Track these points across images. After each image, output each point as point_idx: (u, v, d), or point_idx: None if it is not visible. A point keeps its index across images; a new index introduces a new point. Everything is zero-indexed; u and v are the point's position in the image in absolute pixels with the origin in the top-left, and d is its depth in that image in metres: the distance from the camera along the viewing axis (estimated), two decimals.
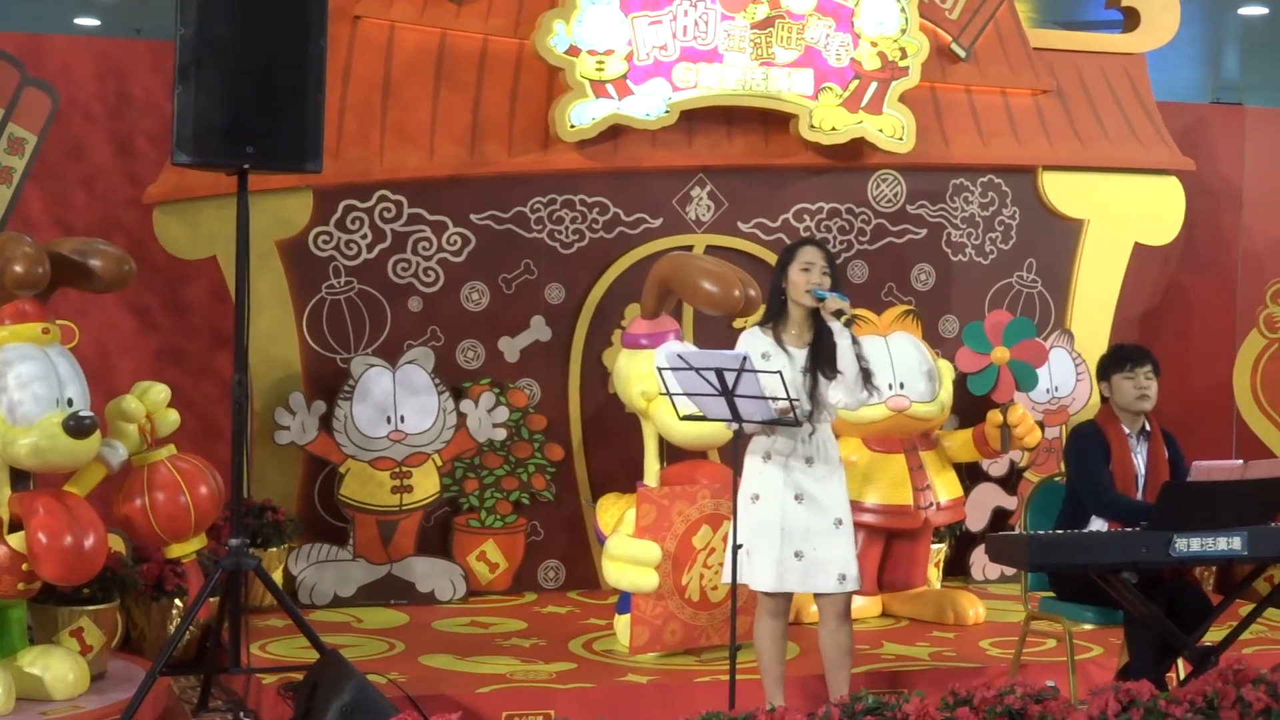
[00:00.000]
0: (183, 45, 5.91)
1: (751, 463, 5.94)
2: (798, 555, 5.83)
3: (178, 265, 8.03)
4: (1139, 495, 6.32)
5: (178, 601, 7.00)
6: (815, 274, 5.87)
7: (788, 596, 6.01)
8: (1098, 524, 6.25)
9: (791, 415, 5.68)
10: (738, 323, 8.35)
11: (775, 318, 5.97)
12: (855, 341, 5.83)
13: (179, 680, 6.77)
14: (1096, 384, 6.66)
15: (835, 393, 5.85)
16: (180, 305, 8.25)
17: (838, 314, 5.76)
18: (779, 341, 5.91)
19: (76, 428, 6.04)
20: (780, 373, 5.66)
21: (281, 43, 6.07)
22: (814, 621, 6.21)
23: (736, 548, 5.84)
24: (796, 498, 5.85)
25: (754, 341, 5.93)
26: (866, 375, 5.82)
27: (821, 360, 5.83)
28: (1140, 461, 6.39)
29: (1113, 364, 6.48)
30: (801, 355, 5.88)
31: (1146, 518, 5.94)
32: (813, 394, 5.83)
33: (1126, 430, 6.40)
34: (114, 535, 6.72)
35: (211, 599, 6.37)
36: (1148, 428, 6.46)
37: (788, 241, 8.55)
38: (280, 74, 6.06)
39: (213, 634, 6.40)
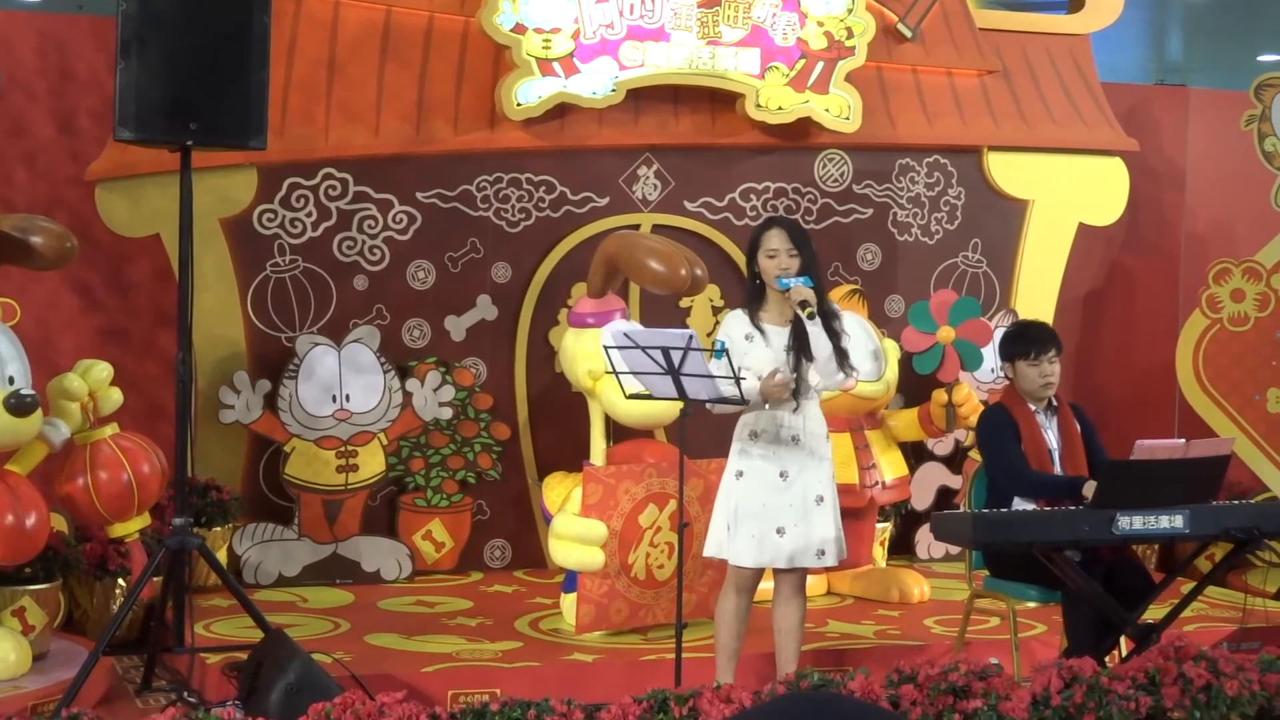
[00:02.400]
0: (125, 21, 5.85)
1: (738, 441, 5.99)
2: (779, 532, 5.87)
3: (120, 243, 7.97)
4: (1055, 469, 6.34)
5: (121, 581, 6.96)
6: (782, 259, 5.89)
7: (758, 575, 6.04)
8: (1020, 505, 6.27)
9: (737, 395, 5.69)
10: (684, 301, 8.39)
11: (753, 300, 6.01)
12: (836, 317, 5.88)
13: (122, 660, 6.74)
14: (1000, 363, 6.67)
15: (812, 375, 5.88)
16: (123, 283, 8.20)
17: (802, 305, 5.78)
18: (758, 323, 5.93)
19: (18, 406, 5.99)
20: (726, 352, 5.67)
21: (225, 19, 6.01)
22: (763, 600, 6.22)
23: (683, 526, 5.86)
24: (780, 475, 5.88)
25: (735, 324, 5.97)
26: (843, 356, 5.85)
27: (802, 341, 5.85)
28: (1052, 437, 6.41)
29: (1016, 349, 6.46)
30: (782, 334, 5.91)
31: (1067, 492, 5.98)
32: (795, 372, 5.86)
33: (1033, 408, 6.43)
34: (56, 514, 6.68)
35: (155, 578, 6.33)
36: (1054, 403, 6.48)
37: (734, 221, 8.60)
38: (223, 50, 6.00)
39: (156, 614, 6.36)
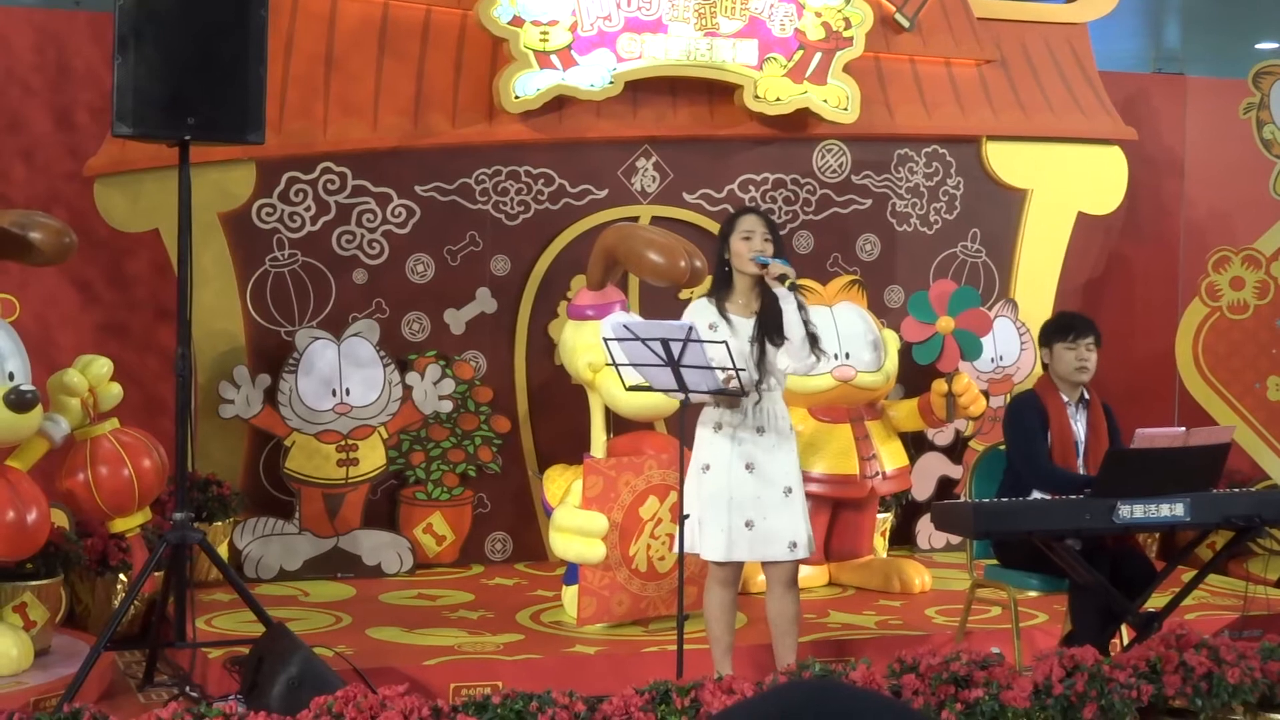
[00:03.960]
0: (122, 16, 5.85)
1: (702, 433, 5.93)
2: (748, 524, 5.82)
3: (119, 238, 7.97)
4: (1079, 462, 6.34)
5: (122, 576, 6.97)
6: (757, 241, 5.85)
7: (738, 566, 6.00)
8: (1038, 493, 6.28)
9: (737, 385, 5.68)
10: (684, 293, 8.37)
11: (721, 289, 5.96)
12: (802, 307, 5.83)
13: (124, 655, 6.74)
14: (1039, 350, 6.67)
15: (783, 358, 5.85)
16: (122, 278, 8.20)
17: (781, 279, 5.75)
18: (723, 312, 5.90)
19: (18, 402, 5.99)
20: (726, 343, 5.66)
21: (222, 13, 6.01)
22: (761, 591, 6.22)
23: (683, 518, 5.85)
24: (747, 467, 5.84)
25: (701, 313, 5.92)
26: (813, 340, 5.81)
27: (769, 328, 5.82)
28: (1080, 429, 6.41)
29: (1056, 332, 6.47)
30: (748, 325, 5.87)
31: (1082, 490, 5.97)
32: (760, 363, 5.83)
33: (1065, 399, 6.42)
34: (57, 510, 6.69)
35: (156, 573, 6.33)
36: (1086, 396, 6.48)
37: (732, 212, 8.57)
38: (221, 45, 6.00)
39: (158, 608, 6.37)
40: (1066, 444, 6.34)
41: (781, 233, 6.07)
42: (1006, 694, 4.98)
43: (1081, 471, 6.30)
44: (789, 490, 5.88)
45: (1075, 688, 5.02)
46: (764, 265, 5.79)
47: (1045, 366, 6.56)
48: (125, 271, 8.19)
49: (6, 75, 7.91)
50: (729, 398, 5.77)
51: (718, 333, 5.80)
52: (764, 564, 6.00)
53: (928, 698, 4.97)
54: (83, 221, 7.53)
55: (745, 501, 5.83)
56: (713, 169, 8.79)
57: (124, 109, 5.87)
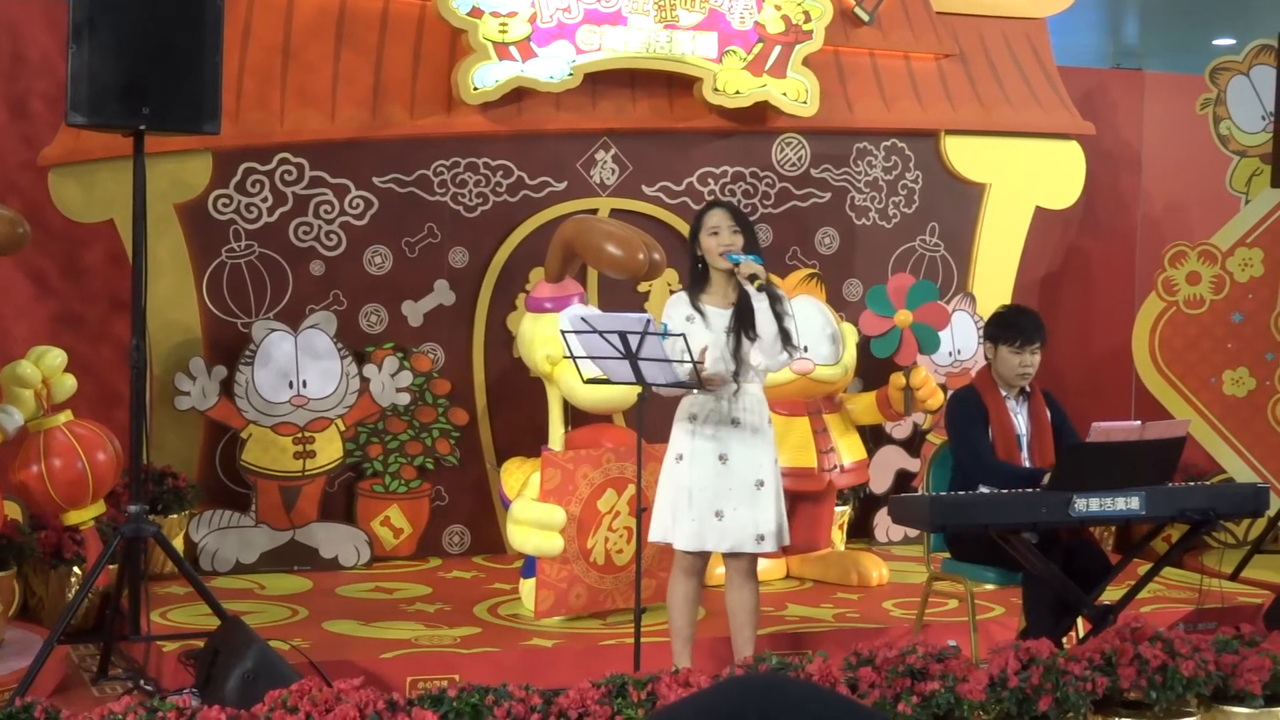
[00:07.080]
0: (76, 4, 5.79)
1: (678, 423, 5.96)
2: (718, 515, 5.85)
3: (74, 229, 7.91)
4: (1023, 455, 6.34)
5: (76, 569, 6.92)
6: (725, 235, 5.88)
7: (704, 557, 6.03)
8: (985, 487, 6.28)
9: (694, 378, 5.68)
10: (642, 286, 8.38)
11: (696, 283, 5.99)
12: (779, 300, 5.85)
13: (78, 648, 6.69)
14: (983, 342, 6.64)
15: (755, 355, 5.87)
16: (77, 269, 8.14)
17: (751, 279, 5.77)
18: (699, 305, 5.92)
19: None
20: (684, 335, 5.67)
21: (178, 2, 5.96)
22: (720, 584, 6.22)
23: (641, 511, 5.86)
24: (720, 458, 5.86)
25: (677, 307, 5.96)
26: (786, 337, 5.82)
27: (744, 323, 5.84)
28: (1022, 422, 6.41)
29: (1004, 333, 6.43)
30: (724, 316, 5.89)
31: (1029, 484, 5.98)
32: (735, 354, 5.84)
33: (1004, 393, 6.43)
34: (10, 502, 6.64)
35: (111, 566, 6.28)
36: (1026, 389, 6.48)
37: (692, 205, 8.58)
38: (177, 34, 5.95)
39: (112, 602, 6.33)
40: (1009, 438, 6.34)
41: (749, 217, 6.06)
42: (962, 686, 4.98)
43: (1026, 464, 6.32)
44: (761, 483, 5.89)
45: (1031, 680, 5.03)
46: (736, 264, 5.80)
47: (987, 360, 6.55)
48: (80, 262, 8.13)
49: None
50: (699, 385, 5.77)
51: (694, 325, 5.84)
52: (725, 555, 6.01)
53: (884, 691, 4.97)
54: (37, 211, 7.47)
55: (718, 492, 5.85)
56: (672, 162, 8.78)
57: (78, 98, 5.81)
